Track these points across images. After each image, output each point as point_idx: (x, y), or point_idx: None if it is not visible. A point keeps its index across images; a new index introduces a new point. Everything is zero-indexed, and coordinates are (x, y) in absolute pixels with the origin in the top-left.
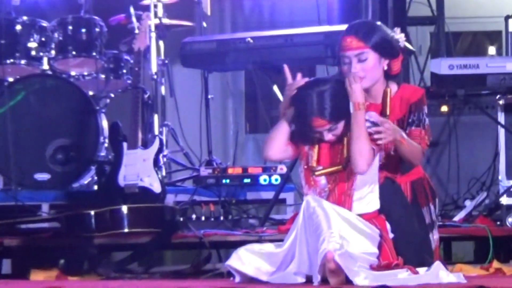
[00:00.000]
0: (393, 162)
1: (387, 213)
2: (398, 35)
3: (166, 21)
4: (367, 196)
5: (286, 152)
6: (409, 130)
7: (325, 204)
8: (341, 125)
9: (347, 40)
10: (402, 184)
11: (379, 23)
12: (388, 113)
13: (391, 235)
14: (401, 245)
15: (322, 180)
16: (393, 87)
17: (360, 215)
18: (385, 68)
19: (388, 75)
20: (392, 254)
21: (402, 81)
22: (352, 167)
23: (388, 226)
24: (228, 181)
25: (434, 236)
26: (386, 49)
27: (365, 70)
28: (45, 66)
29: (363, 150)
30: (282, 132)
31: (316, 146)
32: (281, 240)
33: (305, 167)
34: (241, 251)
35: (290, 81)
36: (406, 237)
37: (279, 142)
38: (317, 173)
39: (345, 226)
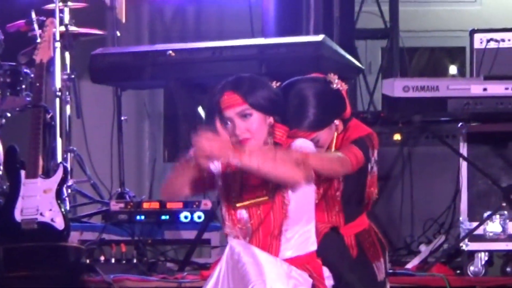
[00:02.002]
0: (331, 206)
1: (329, 268)
2: (334, 81)
3: (73, 29)
4: (301, 235)
5: (186, 194)
6: None
7: (253, 250)
8: (259, 121)
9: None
10: (345, 237)
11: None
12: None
13: (329, 283)
14: None
15: (244, 215)
16: (340, 127)
17: (292, 259)
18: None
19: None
20: None
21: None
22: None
23: (326, 272)
24: (143, 217)
25: None
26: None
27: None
28: None
29: (280, 171)
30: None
31: (240, 179)
32: None
33: (224, 200)
34: None
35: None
36: None
37: (177, 187)
38: (238, 204)
39: (274, 276)
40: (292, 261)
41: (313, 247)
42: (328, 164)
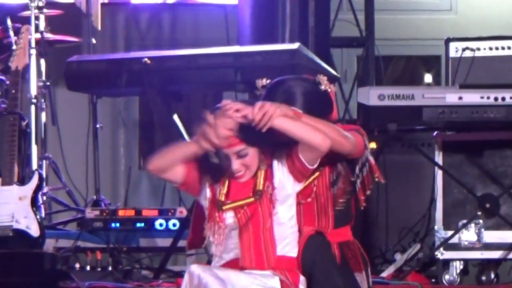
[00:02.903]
0: (323, 208)
1: (311, 271)
2: (323, 83)
3: (49, 36)
4: (288, 236)
5: (173, 172)
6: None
7: (213, 269)
8: (253, 154)
9: None
10: (330, 243)
11: None
12: None
13: None
14: None
15: (230, 219)
16: None
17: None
18: None
19: None
20: None
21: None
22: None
23: (301, 283)
24: (118, 225)
25: None
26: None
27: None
28: None
29: (310, 130)
30: (184, 150)
31: (227, 180)
32: None
33: (210, 201)
34: None
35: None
36: None
37: (173, 156)
38: (225, 207)
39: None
40: (280, 260)
41: (294, 253)
42: (318, 133)
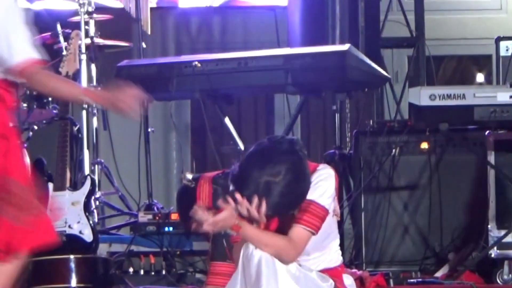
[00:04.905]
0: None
1: None
2: None
3: (99, 41)
4: (323, 255)
5: None
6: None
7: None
8: None
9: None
10: None
11: None
12: None
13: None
14: None
15: None
16: None
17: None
18: None
19: None
20: None
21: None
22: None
23: (348, 281)
24: (171, 228)
25: None
26: None
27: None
28: None
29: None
30: None
31: None
32: None
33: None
34: None
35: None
36: None
37: None
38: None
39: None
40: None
41: (338, 262)
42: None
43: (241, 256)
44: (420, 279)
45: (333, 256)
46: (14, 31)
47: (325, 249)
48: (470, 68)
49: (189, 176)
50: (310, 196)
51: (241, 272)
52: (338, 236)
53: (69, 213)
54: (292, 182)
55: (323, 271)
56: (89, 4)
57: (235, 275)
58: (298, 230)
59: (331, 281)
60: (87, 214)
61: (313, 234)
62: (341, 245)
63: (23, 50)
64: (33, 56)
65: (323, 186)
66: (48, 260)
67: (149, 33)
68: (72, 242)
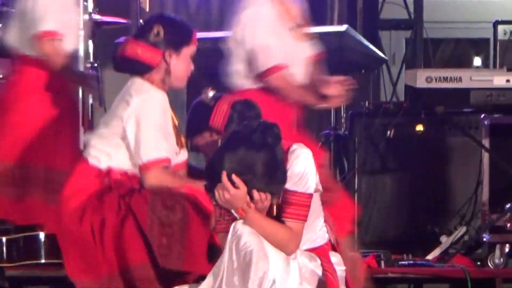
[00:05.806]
0: None
1: None
2: None
3: (97, 17)
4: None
5: None
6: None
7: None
8: None
9: None
10: None
11: None
12: None
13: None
14: None
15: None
16: None
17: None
18: None
19: None
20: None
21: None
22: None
23: (334, 259)
24: None
25: None
26: None
27: None
28: None
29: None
30: None
31: None
32: None
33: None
34: None
35: None
36: None
37: None
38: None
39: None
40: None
41: (323, 241)
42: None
43: (229, 235)
44: (411, 261)
45: (318, 234)
46: None
47: (309, 227)
48: (468, 52)
49: (211, 93)
50: (291, 186)
51: (228, 253)
52: (322, 213)
53: None
54: (265, 177)
55: (309, 250)
56: None
57: (221, 257)
58: (290, 226)
59: (319, 260)
60: None
61: (304, 222)
62: None
63: None
64: None
65: (300, 171)
66: (40, 235)
67: (147, 10)
68: None
